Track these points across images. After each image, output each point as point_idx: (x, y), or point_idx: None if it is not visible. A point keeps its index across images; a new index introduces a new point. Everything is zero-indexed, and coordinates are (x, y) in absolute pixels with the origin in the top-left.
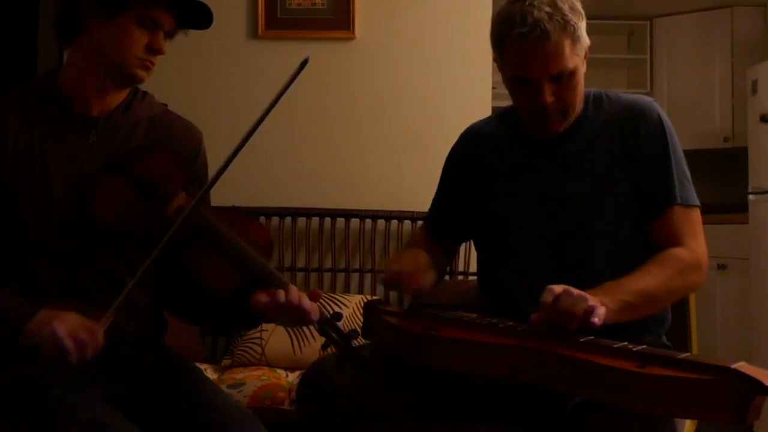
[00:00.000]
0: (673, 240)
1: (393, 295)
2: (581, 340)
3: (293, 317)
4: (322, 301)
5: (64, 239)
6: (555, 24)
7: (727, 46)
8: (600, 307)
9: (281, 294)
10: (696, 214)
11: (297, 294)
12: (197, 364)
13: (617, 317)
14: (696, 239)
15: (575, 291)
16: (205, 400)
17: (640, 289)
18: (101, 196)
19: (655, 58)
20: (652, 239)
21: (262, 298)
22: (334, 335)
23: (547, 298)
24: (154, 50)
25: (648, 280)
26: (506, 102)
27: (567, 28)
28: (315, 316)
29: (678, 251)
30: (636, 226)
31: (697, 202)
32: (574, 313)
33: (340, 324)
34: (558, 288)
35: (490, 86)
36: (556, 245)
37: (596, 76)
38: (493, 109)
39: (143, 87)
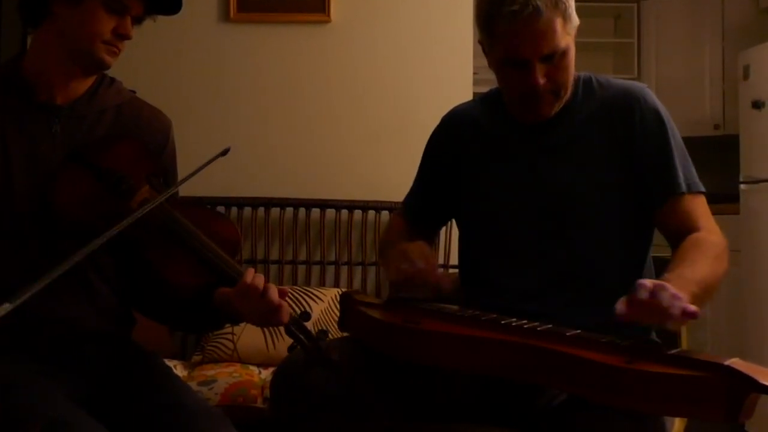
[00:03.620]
0: (689, 226)
1: (370, 286)
2: (568, 334)
3: (261, 309)
4: (292, 293)
5: (25, 230)
6: (546, 1)
7: (718, 29)
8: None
9: (249, 272)
10: (702, 198)
11: (263, 279)
12: (166, 361)
13: None
14: (710, 221)
15: (670, 287)
16: (172, 399)
17: (700, 278)
18: (62, 188)
19: (642, 42)
20: (661, 227)
21: (227, 288)
22: (301, 336)
23: (642, 294)
24: (121, 35)
25: (703, 268)
26: (488, 88)
27: (558, 6)
28: (286, 315)
29: (707, 236)
30: (628, 214)
31: (702, 188)
32: (670, 312)
33: (308, 325)
34: (650, 282)
35: (471, 72)
36: (542, 234)
37: (581, 60)
38: (474, 95)
39: (111, 73)
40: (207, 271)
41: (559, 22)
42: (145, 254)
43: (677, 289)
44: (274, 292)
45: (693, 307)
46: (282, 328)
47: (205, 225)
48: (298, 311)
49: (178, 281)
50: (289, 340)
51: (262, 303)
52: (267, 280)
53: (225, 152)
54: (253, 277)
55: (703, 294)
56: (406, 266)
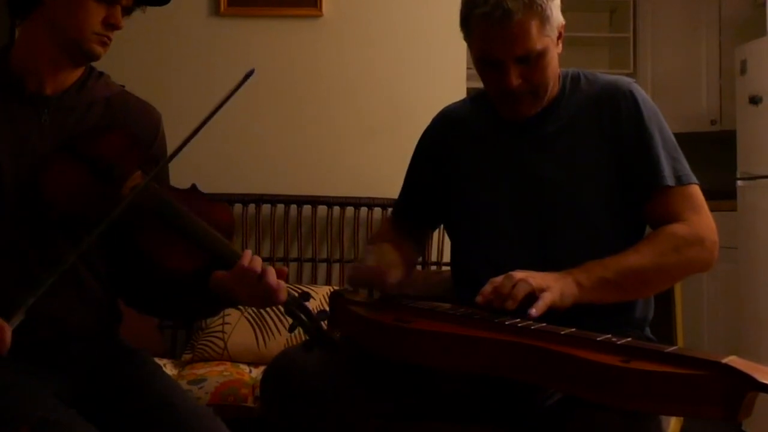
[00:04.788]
0: (671, 218)
1: None
2: (562, 332)
3: (258, 292)
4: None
5: (13, 222)
6: (519, 3)
7: (715, 23)
8: (547, 294)
9: (246, 255)
10: (693, 190)
11: (260, 261)
12: (156, 359)
13: (597, 295)
14: (697, 213)
15: (518, 275)
16: (161, 398)
17: (624, 266)
18: (52, 178)
19: (638, 36)
20: (649, 221)
21: (222, 272)
22: (302, 316)
23: (487, 288)
24: (111, 25)
25: (635, 257)
26: (482, 83)
27: (533, 7)
28: (283, 295)
29: (673, 226)
30: (618, 210)
31: (693, 180)
32: (513, 295)
33: (308, 305)
34: (499, 278)
35: (465, 66)
36: (532, 232)
37: (576, 55)
38: (468, 90)
39: (100, 67)
40: (203, 253)
41: (534, 24)
42: (139, 239)
43: (581, 272)
44: (272, 274)
45: (544, 296)
46: (274, 327)
47: (199, 208)
48: (299, 292)
49: (173, 265)
50: (283, 338)
51: (260, 286)
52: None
53: (250, 74)
54: (251, 260)
55: (628, 281)
56: (357, 263)
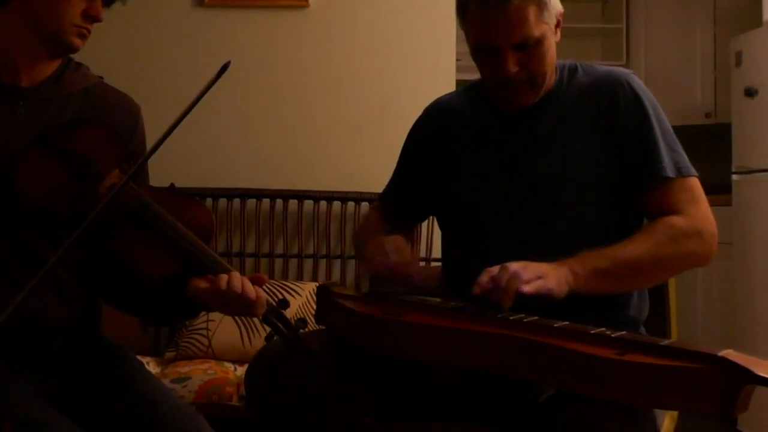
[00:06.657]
0: (670, 209)
1: (350, 280)
2: (555, 325)
3: (236, 306)
4: (268, 286)
5: None
6: None
7: (710, 14)
8: (542, 280)
9: (222, 280)
10: (693, 182)
11: (240, 281)
12: (138, 357)
13: (591, 285)
14: (695, 206)
15: (513, 267)
16: (144, 396)
17: (620, 256)
18: (27, 173)
19: (631, 27)
20: (647, 213)
21: (201, 284)
22: (279, 325)
23: (483, 277)
24: (91, 17)
25: (631, 247)
26: (471, 75)
27: None
28: (261, 308)
29: (671, 218)
30: (614, 204)
31: (693, 172)
32: (508, 289)
33: (286, 313)
34: (495, 268)
35: (454, 58)
36: (525, 226)
37: (568, 47)
38: (458, 82)
39: (81, 58)
40: (179, 257)
41: (532, 10)
42: (115, 240)
43: (576, 261)
44: (250, 290)
45: (527, 288)
46: (259, 324)
47: (177, 210)
48: (277, 299)
49: (149, 269)
50: (265, 333)
51: (239, 302)
52: (242, 274)
53: (225, 67)
54: (228, 282)
55: (624, 272)
56: (385, 260)
